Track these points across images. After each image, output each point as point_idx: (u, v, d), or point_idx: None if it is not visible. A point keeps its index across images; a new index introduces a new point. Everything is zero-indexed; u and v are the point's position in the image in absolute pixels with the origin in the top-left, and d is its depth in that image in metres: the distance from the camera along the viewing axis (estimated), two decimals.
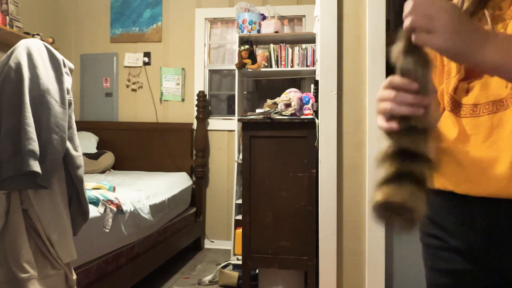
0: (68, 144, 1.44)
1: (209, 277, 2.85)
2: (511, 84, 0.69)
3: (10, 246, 1.31)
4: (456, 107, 0.77)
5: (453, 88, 0.78)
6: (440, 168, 0.75)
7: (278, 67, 3.24)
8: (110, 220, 2.04)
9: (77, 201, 1.52)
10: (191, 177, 3.73)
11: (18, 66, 1.34)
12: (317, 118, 2.16)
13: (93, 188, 2.21)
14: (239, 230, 2.86)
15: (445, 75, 0.82)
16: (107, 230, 2.03)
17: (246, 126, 2.38)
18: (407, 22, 0.62)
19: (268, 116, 2.34)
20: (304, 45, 3.28)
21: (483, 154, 0.71)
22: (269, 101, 2.55)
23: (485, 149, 0.71)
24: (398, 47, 0.65)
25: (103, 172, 3.54)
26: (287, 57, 3.21)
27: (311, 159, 2.27)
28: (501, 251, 0.72)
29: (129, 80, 4.00)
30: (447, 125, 0.79)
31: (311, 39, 3.20)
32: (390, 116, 0.66)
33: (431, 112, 0.65)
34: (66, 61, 1.51)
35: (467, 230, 0.75)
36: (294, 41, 3.34)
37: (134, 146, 3.85)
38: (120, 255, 2.23)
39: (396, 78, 0.66)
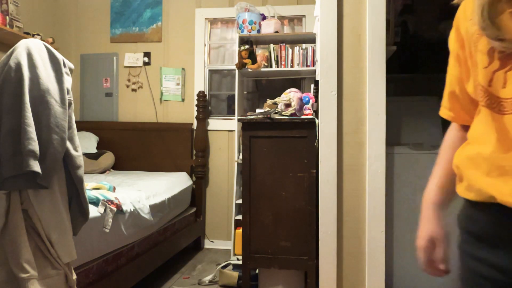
0: (68, 144, 1.44)
1: (209, 277, 2.85)
2: None
3: (10, 246, 1.31)
4: (493, 102, 0.64)
5: (488, 80, 0.65)
6: (484, 179, 0.66)
7: (278, 67, 3.24)
8: (110, 220, 2.04)
9: (77, 201, 1.52)
10: (191, 177, 3.73)
11: (18, 66, 1.34)
12: (317, 118, 2.16)
13: (93, 188, 2.21)
14: (239, 230, 2.87)
15: (472, 68, 0.72)
16: (107, 230, 2.03)
17: (246, 126, 2.38)
18: None
19: (268, 116, 2.33)
20: (304, 45, 3.29)
21: None
22: (269, 101, 2.55)
23: None
24: None
25: (103, 172, 3.54)
26: (287, 57, 3.21)
27: (311, 159, 2.27)
28: None
29: (129, 80, 4.00)
30: (483, 124, 0.67)
31: (311, 39, 3.20)
32: None
33: None
34: (66, 61, 1.51)
35: None
36: (294, 41, 3.34)
37: (134, 146, 3.85)
38: (120, 255, 2.23)
39: None
